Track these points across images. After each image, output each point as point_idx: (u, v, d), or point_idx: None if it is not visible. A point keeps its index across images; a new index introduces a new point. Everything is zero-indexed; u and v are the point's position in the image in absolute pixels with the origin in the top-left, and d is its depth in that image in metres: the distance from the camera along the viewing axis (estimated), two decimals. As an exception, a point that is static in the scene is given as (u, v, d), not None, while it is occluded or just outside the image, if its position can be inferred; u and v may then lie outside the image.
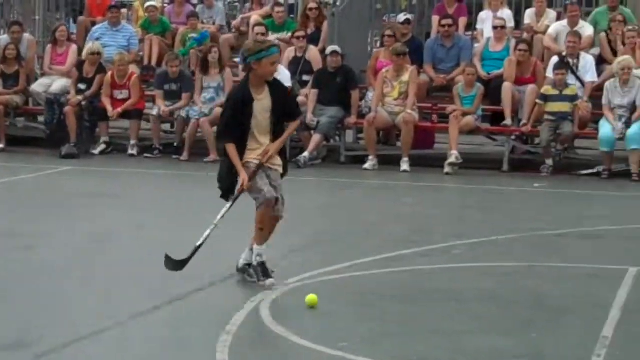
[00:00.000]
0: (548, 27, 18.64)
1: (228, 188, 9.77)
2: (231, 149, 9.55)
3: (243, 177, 9.51)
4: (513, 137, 17.82)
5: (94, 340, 8.03)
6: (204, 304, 9.19)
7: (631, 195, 15.95)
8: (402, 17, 19.26)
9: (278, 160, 9.86)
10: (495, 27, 18.42)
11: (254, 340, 8.13)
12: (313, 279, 9.99)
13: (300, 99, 17.71)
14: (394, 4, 21.02)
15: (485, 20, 18.96)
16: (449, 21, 18.48)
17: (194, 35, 19.46)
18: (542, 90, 17.17)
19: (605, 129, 16.72)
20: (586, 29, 18.32)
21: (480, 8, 19.53)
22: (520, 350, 7.81)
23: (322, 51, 18.36)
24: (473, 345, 7.94)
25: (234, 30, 20.21)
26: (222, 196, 9.86)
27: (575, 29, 18.00)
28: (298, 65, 18.40)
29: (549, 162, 17.09)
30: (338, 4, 19.18)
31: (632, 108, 16.75)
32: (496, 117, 17.86)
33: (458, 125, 17.10)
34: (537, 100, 17.10)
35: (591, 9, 19.62)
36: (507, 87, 17.36)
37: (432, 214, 14.35)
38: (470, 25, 19.53)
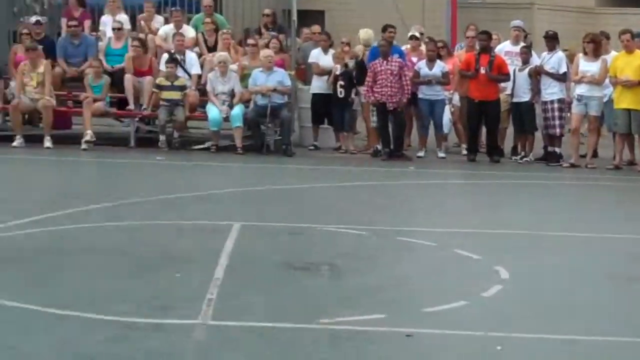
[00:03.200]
0: (158, 29, 18.89)
1: None
2: None
3: None
4: (137, 119, 18.01)
5: None
6: None
7: (234, 166, 16.39)
8: (34, 19, 18.88)
9: None
10: (114, 29, 18.46)
11: None
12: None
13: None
14: (28, 8, 20.62)
15: (107, 23, 18.97)
16: (75, 23, 18.44)
17: None
18: (157, 81, 17.47)
19: (213, 111, 17.22)
20: (189, 31, 18.69)
21: (102, 13, 19.42)
22: (144, 292, 7.91)
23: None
24: (105, 288, 8.03)
25: None
26: None
27: (180, 31, 18.34)
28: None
29: (163, 137, 17.40)
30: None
31: (232, 94, 17.35)
32: (122, 103, 18.01)
33: (90, 110, 17.13)
34: (153, 89, 17.39)
35: (192, 15, 19.85)
36: (128, 78, 17.62)
37: (74, 183, 14.34)
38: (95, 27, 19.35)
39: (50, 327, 6.89)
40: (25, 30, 18.10)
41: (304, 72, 19.08)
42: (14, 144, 16.97)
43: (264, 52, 17.52)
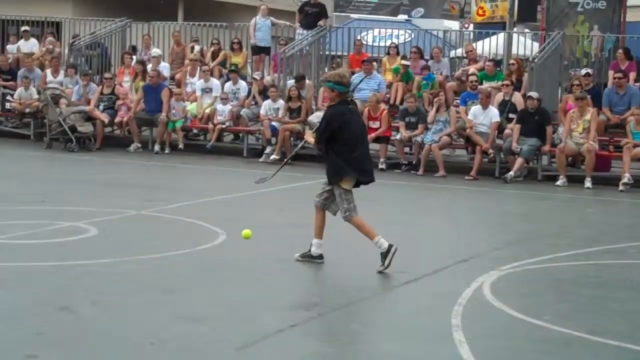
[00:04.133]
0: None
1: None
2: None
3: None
4: (676, 165, 17.28)
5: (359, 305, 8.18)
6: (439, 283, 9.21)
7: None
8: (584, 71, 18.92)
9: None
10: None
11: (478, 311, 8.00)
12: (521, 267, 9.84)
13: (506, 131, 17.74)
14: (578, 61, 20.59)
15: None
16: (621, 75, 18.14)
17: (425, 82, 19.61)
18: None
19: None
20: None
21: (647, 65, 19.05)
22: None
23: (524, 96, 18.09)
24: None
25: (456, 79, 20.05)
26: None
27: None
28: (505, 106, 18.39)
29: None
30: (536, 60, 18.74)
31: None
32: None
33: (630, 154, 16.75)
34: (696, 135, 16.63)
35: None
36: (668, 125, 17.06)
37: (611, 221, 14.02)
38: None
39: (588, 353, 6.89)
40: (575, 82, 18.13)
41: None
42: (558, 183, 16.98)
43: None
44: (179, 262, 9.63)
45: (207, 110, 20.23)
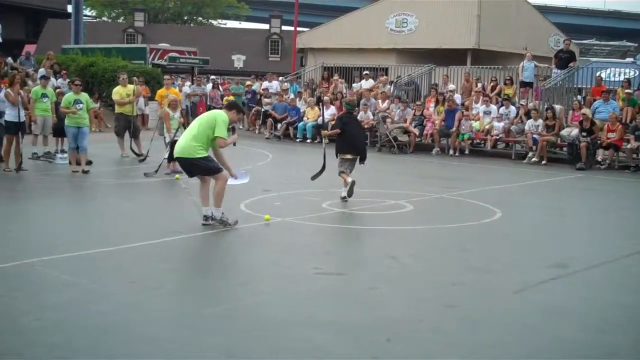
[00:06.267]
0: None
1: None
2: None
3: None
4: None
5: (598, 267, 7.56)
6: None
7: None
8: None
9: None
10: None
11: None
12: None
13: None
14: None
15: None
16: None
17: None
18: None
19: None
20: None
21: None
22: None
23: None
24: None
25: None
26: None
27: None
28: None
29: None
30: None
31: None
32: None
33: None
34: None
35: None
36: None
37: None
38: None
39: None
40: None
41: None
42: None
43: None
44: (468, 230, 9.48)
45: (487, 126, 19.77)
